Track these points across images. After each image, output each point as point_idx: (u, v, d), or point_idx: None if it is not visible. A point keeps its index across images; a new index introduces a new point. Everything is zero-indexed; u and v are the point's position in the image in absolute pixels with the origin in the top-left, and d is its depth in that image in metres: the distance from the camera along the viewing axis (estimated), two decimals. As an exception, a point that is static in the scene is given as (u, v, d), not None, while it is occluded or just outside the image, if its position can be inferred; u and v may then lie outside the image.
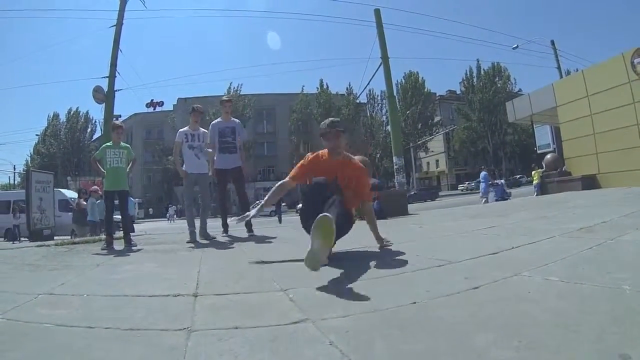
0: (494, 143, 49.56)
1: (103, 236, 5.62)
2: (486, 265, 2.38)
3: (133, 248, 4.95)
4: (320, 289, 2.08)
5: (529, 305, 1.60)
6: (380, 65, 13.24)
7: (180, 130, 5.64)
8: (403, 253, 3.06)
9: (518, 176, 40.75)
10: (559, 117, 12.42)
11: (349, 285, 2.15)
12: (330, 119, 3.43)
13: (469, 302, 1.71)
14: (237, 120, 5.80)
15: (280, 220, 14.98)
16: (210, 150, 5.57)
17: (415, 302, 1.72)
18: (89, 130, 54.40)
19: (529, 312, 1.54)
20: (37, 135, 52.29)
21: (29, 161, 52.01)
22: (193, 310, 1.82)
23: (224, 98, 5.93)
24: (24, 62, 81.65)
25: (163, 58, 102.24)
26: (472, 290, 1.85)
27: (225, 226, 5.81)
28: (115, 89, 12.46)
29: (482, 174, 15.89)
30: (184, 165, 5.52)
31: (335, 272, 2.42)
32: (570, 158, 12.02)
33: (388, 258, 2.90)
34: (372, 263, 2.70)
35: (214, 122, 5.73)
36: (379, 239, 3.48)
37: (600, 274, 1.98)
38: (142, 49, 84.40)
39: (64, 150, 50.71)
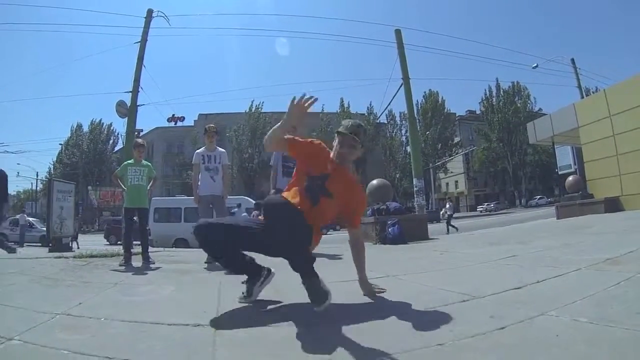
0: (513, 163, 48.89)
1: (121, 251, 5.68)
2: (511, 301, 2.30)
3: (151, 266, 4.99)
4: (342, 323, 2.01)
5: (559, 352, 1.53)
6: (401, 86, 13.30)
7: (197, 151, 5.68)
8: (426, 284, 2.98)
9: (538, 197, 39.83)
10: (580, 138, 12.18)
11: (375, 322, 2.06)
12: (357, 121, 2.79)
13: (496, 345, 1.64)
14: None
15: None
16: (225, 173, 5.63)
17: (440, 344, 1.66)
18: (111, 141, 55.69)
19: (558, 359, 1.48)
20: (60, 144, 53.72)
21: (52, 170, 53.25)
22: (213, 344, 1.76)
23: None
24: (51, 74, 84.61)
25: (186, 74, 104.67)
26: (498, 331, 1.78)
27: None
28: (138, 103, 12.78)
29: None
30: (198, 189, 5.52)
31: (357, 307, 2.35)
32: (592, 180, 11.75)
33: (412, 291, 2.78)
34: (396, 295, 2.59)
35: None
36: (364, 282, 2.69)
37: (629, 315, 1.88)
38: (166, 64, 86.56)
39: (86, 160, 51.86)
